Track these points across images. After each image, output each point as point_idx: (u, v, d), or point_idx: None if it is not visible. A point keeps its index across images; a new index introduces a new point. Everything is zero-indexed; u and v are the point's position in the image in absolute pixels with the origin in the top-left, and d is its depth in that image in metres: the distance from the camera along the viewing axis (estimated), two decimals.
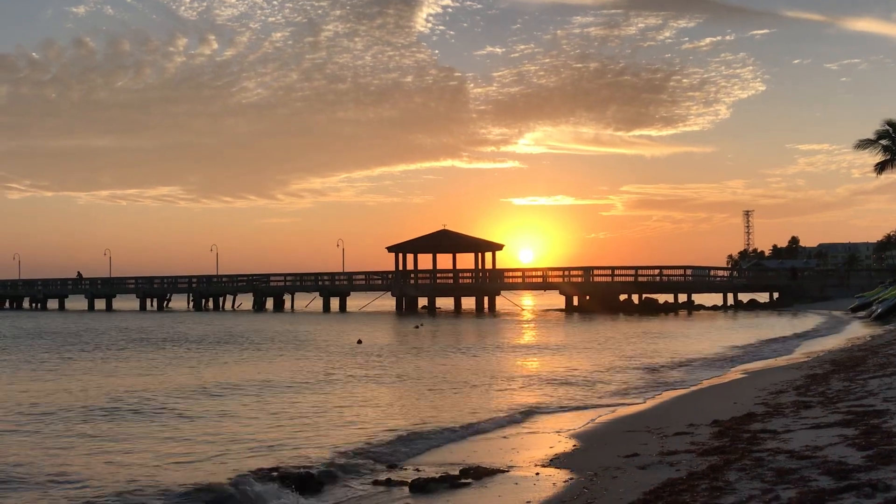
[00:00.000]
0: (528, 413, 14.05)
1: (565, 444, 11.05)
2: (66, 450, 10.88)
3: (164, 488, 8.71)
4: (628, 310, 62.49)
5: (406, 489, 8.75)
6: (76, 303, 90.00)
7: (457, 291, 70.15)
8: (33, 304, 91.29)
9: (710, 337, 33.62)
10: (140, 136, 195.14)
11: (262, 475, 9.04)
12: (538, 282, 69.14)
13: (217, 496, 8.47)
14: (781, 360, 22.32)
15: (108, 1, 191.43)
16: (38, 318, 60.58)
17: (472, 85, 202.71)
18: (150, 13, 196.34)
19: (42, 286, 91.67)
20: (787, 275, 75.93)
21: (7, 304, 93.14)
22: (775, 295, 70.72)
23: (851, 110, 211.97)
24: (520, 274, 70.80)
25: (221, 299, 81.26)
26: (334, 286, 74.35)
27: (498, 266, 70.82)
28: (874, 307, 45.09)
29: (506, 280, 70.02)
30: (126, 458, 10.38)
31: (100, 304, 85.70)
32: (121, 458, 10.32)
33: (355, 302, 75.23)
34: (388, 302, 72.44)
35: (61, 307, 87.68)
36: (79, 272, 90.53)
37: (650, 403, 15.05)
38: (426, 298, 69.65)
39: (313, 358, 25.16)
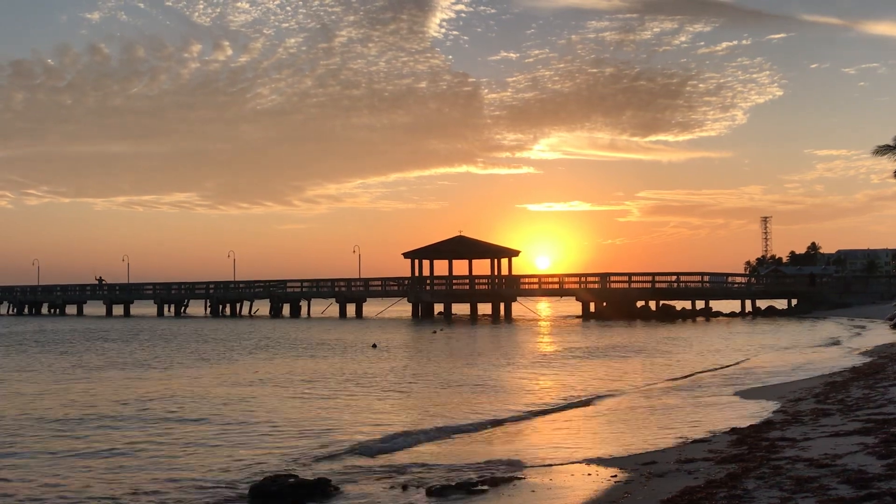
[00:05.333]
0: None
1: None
2: None
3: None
4: (645, 316, 62.24)
5: (423, 494, 8.75)
6: (94, 308, 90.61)
7: (473, 298, 70.04)
8: (52, 310, 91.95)
9: None
10: (156, 142, 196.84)
11: (279, 481, 9.06)
12: (555, 288, 68.96)
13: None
14: None
15: (122, 7, 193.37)
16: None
17: (486, 90, 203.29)
18: (164, 19, 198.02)
19: (61, 292, 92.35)
20: (806, 281, 75.44)
21: (26, 310, 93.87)
22: (793, 301, 70.28)
23: (870, 115, 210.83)
24: (536, 280, 70.63)
25: (238, 305, 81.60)
26: (350, 292, 74.47)
27: (514, 272, 70.78)
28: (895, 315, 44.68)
29: (522, 286, 69.87)
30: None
31: (118, 309, 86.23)
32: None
33: (371, 308, 75.33)
34: (404, 308, 72.49)
35: (80, 313, 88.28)
36: (100, 277, 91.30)
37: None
38: (442, 305, 69.61)
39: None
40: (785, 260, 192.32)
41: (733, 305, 69.15)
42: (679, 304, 66.35)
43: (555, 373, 22.40)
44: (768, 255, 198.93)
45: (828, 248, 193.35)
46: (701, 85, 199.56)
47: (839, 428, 10.22)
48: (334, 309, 74.21)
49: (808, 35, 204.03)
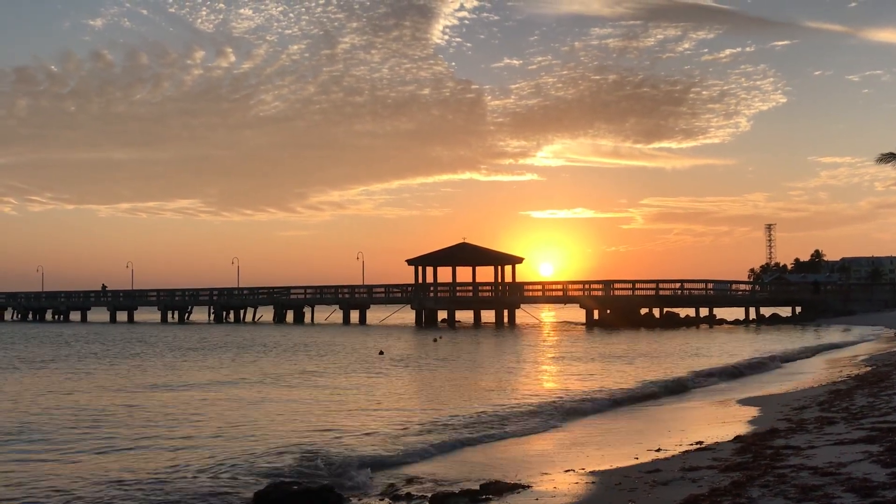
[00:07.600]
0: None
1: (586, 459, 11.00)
2: None
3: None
4: (649, 324, 62.17)
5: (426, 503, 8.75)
6: (98, 315, 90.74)
7: (476, 305, 70.10)
8: (56, 317, 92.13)
9: None
10: (159, 148, 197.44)
11: (284, 488, 9.06)
12: (558, 295, 68.98)
13: None
14: None
15: (125, 14, 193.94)
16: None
17: (489, 97, 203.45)
18: (168, 26, 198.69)
19: (65, 298, 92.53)
20: (810, 289, 75.37)
21: (30, 317, 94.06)
22: (798, 309, 70.21)
23: (874, 122, 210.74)
24: (540, 287, 70.70)
25: (242, 312, 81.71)
26: (354, 299, 74.53)
27: (518, 279, 70.80)
28: None
29: (526, 293, 69.90)
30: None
31: (122, 316, 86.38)
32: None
33: (375, 315, 75.34)
34: (407, 315, 72.48)
35: (84, 319, 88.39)
36: (104, 285, 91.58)
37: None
38: (446, 311, 69.66)
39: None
40: (789, 267, 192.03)
41: (737, 313, 69.08)
42: (683, 312, 66.29)
43: (558, 380, 22.38)
44: (772, 263, 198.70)
45: (832, 255, 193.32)
46: (704, 92, 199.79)
47: (844, 436, 10.19)
48: (338, 315, 74.27)
49: (811, 42, 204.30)
